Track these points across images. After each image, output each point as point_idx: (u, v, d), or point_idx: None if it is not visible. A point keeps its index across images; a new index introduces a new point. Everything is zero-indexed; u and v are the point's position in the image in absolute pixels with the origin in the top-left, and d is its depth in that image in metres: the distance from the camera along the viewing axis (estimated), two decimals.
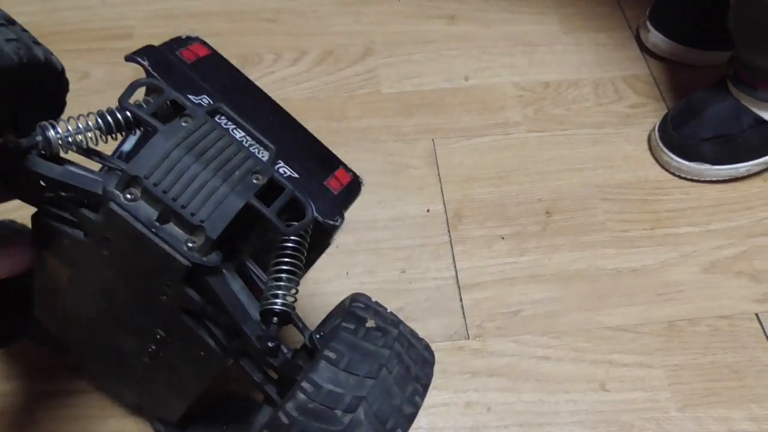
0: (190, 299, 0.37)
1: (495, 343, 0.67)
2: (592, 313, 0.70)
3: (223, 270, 0.37)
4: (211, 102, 0.41)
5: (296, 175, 0.41)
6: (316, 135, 0.46)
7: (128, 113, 0.36)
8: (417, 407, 0.36)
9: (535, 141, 0.84)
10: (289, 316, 0.37)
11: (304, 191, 0.38)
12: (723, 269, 0.74)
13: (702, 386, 0.65)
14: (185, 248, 0.35)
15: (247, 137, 0.39)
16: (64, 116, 0.37)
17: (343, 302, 0.42)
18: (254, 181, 0.36)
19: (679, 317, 0.70)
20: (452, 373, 0.65)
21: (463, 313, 0.69)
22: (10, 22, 0.36)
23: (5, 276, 0.39)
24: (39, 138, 0.35)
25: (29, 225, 0.40)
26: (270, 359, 0.37)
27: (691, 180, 0.81)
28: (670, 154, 0.80)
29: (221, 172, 0.35)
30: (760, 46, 0.72)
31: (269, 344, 0.35)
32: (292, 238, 0.38)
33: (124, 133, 0.37)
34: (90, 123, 0.36)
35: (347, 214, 0.44)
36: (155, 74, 0.42)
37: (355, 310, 0.38)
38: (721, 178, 0.80)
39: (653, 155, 0.83)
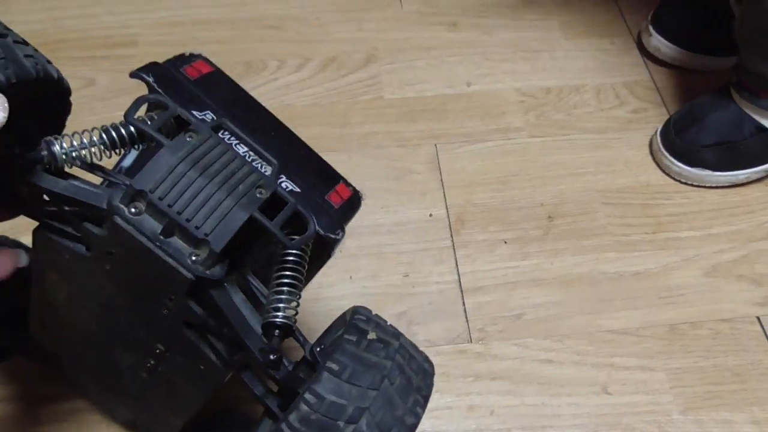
0: (192, 312, 0.37)
1: (498, 347, 0.68)
2: (594, 317, 0.70)
3: (226, 283, 0.37)
4: (215, 117, 0.41)
5: (298, 190, 0.42)
6: (319, 141, 0.47)
7: (132, 128, 0.37)
8: (418, 418, 0.36)
9: (537, 146, 0.85)
10: (290, 329, 0.37)
11: (306, 205, 0.39)
12: (724, 273, 0.74)
13: (704, 389, 0.66)
14: (189, 261, 0.35)
15: (250, 152, 0.39)
16: (68, 130, 0.37)
17: (343, 315, 0.42)
18: (258, 194, 0.36)
19: (681, 320, 0.70)
20: (455, 376, 0.66)
21: (466, 317, 0.70)
22: (24, 42, 0.37)
23: None
24: (45, 153, 0.35)
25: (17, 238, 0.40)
26: (272, 372, 0.37)
27: (692, 185, 0.81)
28: (672, 159, 0.81)
29: (225, 186, 0.36)
30: (767, 54, 0.72)
31: (271, 357, 0.36)
32: (294, 251, 0.38)
33: (126, 149, 0.38)
34: (95, 138, 0.36)
35: (350, 221, 0.44)
36: (159, 90, 0.43)
37: (356, 323, 0.38)
38: (721, 185, 0.81)
39: (654, 160, 0.83)
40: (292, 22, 0.97)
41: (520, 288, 0.72)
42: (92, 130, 0.37)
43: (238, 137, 0.39)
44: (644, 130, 0.87)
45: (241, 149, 0.39)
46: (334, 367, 0.35)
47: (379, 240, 0.75)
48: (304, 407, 0.34)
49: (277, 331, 0.37)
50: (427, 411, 0.37)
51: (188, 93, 0.42)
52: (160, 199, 0.34)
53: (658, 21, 0.92)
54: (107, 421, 0.61)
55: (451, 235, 0.76)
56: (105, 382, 0.52)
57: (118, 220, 0.34)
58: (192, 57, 0.46)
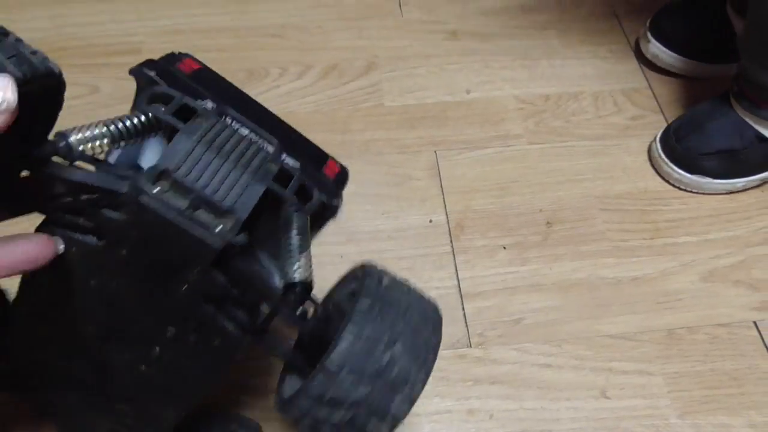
0: (214, 283, 0.39)
1: (497, 351, 0.68)
2: (592, 322, 0.71)
3: (247, 250, 0.40)
4: (215, 105, 0.43)
5: (298, 165, 0.45)
6: (321, 147, 0.49)
7: (142, 118, 0.39)
8: (439, 339, 0.43)
9: (536, 153, 0.85)
10: (311, 285, 0.41)
11: (308, 177, 0.43)
12: (721, 278, 0.75)
13: (701, 393, 0.66)
14: (216, 231, 0.37)
15: (252, 134, 0.42)
16: (75, 125, 0.38)
17: (353, 271, 0.46)
18: (269, 169, 0.40)
19: (679, 325, 0.71)
20: (455, 380, 0.66)
21: (466, 322, 0.70)
22: (33, 51, 0.38)
23: None
24: (62, 144, 0.36)
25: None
26: (302, 323, 0.41)
27: (690, 191, 0.82)
28: (672, 166, 0.81)
29: (240, 163, 0.39)
30: None
31: (299, 311, 0.40)
32: (303, 217, 0.42)
33: (133, 140, 0.39)
34: (106, 129, 0.38)
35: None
36: (163, 83, 0.44)
37: (371, 272, 0.43)
38: (718, 192, 0.81)
39: (653, 166, 0.84)
40: (293, 31, 0.98)
41: (519, 293, 0.73)
42: (98, 123, 0.38)
43: (239, 121, 0.42)
44: (642, 137, 0.87)
45: (244, 131, 0.42)
46: (364, 306, 0.39)
47: (379, 246, 0.75)
48: (343, 346, 0.37)
49: (297, 288, 0.41)
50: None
51: (186, 85, 0.45)
52: (185, 177, 0.36)
53: (656, 27, 0.93)
54: None
55: (451, 241, 0.76)
56: (89, 392, 0.51)
57: (145, 198, 0.36)
58: (181, 55, 0.48)
